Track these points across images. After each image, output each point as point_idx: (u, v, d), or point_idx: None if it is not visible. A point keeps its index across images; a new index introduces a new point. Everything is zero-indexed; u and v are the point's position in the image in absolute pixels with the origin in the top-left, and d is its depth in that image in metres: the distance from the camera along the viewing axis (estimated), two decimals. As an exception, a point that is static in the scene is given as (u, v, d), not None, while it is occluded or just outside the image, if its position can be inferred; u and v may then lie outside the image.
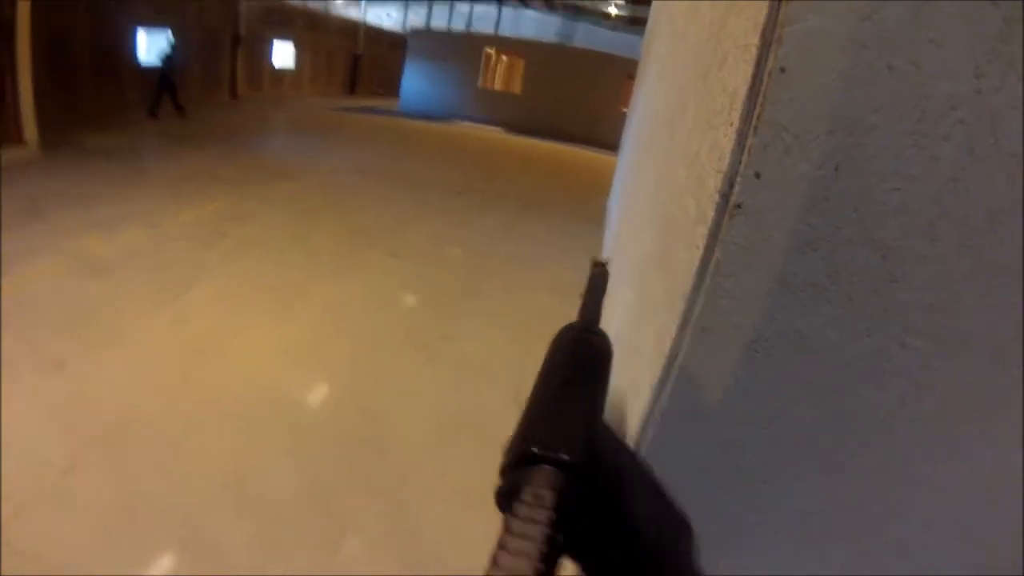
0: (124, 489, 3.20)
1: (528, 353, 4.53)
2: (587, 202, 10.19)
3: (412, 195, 9.74)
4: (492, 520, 0.37)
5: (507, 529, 0.35)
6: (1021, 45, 0.69)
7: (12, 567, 2.68)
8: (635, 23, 26.70)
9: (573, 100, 20.53)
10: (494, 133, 19.85)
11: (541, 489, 0.37)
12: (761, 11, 0.75)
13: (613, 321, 1.87)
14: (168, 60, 13.55)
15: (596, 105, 19.93)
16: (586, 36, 32.37)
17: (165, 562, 2.85)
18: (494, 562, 0.33)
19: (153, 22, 14.88)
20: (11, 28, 8.46)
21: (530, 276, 6.69)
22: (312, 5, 28.81)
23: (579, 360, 0.50)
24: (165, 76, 13.59)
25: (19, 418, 3.56)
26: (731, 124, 0.80)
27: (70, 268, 5.54)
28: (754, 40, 0.76)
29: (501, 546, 0.34)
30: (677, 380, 0.93)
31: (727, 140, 0.81)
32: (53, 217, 6.64)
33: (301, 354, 4.72)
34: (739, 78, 0.81)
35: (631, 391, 1.18)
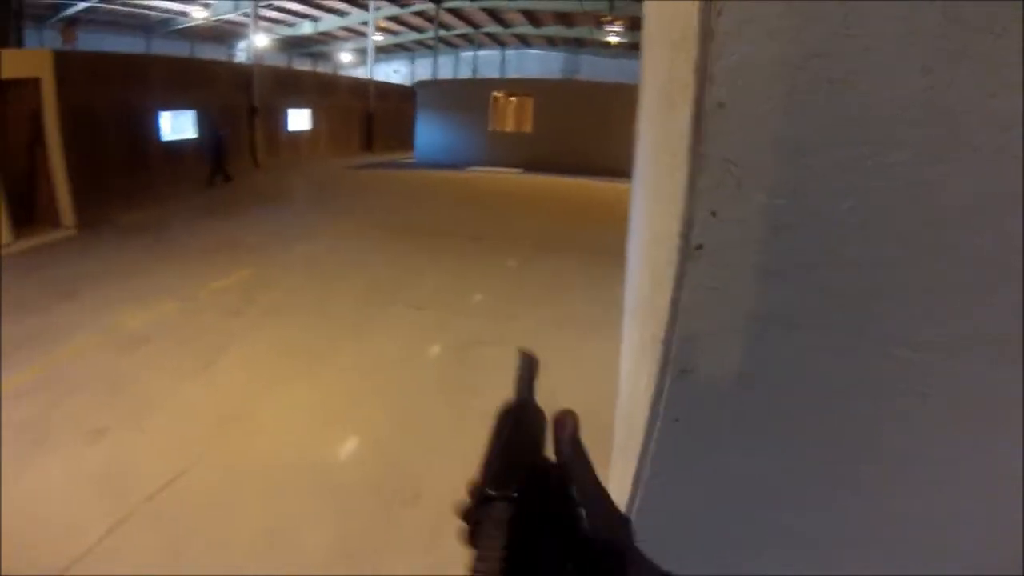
0: (165, 549, 3.25)
1: (553, 402, 4.51)
2: (602, 235, 10.14)
3: (430, 246, 9.81)
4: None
5: (476, 556, 0.45)
6: (969, 32, 0.67)
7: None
8: (636, 48, 27.01)
9: (584, 132, 20.50)
10: (509, 175, 19.99)
11: (497, 519, 0.48)
12: (695, 48, 0.75)
13: (623, 365, 1.84)
14: (214, 137, 15.59)
15: (607, 135, 19.90)
16: (591, 67, 32.76)
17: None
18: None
19: (174, 103, 15.53)
20: (39, 118, 8.91)
21: (551, 318, 6.67)
22: (321, 70, 29.70)
23: (519, 426, 0.61)
24: (217, 150, 15.45)
25: (61, 485, 3.67)
26: (682, 166, 0.79)
27: (107, 342, 5.69)
28: (690, 79, 0.75)
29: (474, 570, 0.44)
30: (664, 422, 0.91)
31: (682, 181, 0.80)
32: (90, 294, 6.86)
33: (330, 414, 4.73)
34: (684, 118, 0.80)
35: (629, 434, 1.16)
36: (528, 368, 0.76)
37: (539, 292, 7.78)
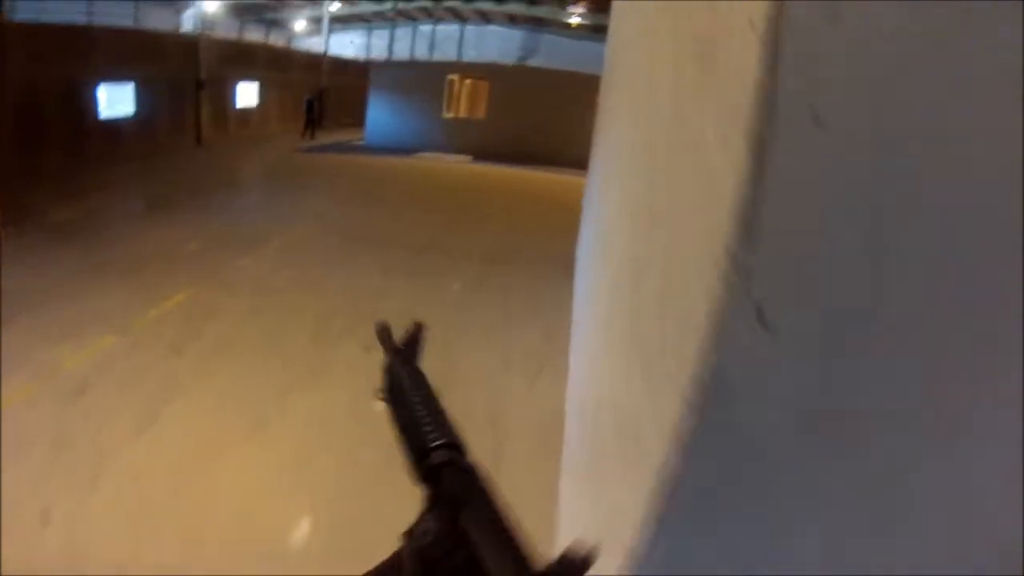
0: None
1: (501, 454, 4.33)
2: (555, 242, 9.73)
3: (378, 260, 9.27)
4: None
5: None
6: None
7: None
8: (599, 31, 26.80)
9: (539, 121, 20.14)
10: (460, 165, 19.51)
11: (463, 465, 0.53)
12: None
13: (586, 371, 1.69)
14: (310, 104, 22.38)
15: (562, 125, 19.11)
16: (551, 47, 32.38)
17: None
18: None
19: (115, 76, 14.65)
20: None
21: (500, 350, 6.32)
22: (272, 41, 28.79)
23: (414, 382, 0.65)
24: (311, 112, 22.34)
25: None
26: (736, 117, 0.62)
27: (44, 389, 5.14)
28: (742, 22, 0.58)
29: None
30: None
31: (735, 133, 0.63)
32: (21, 319, 6.13)
33: (286, 478, 4.31)
34: (749, 58, 0.63)
35: (627, 448, 1.00)
36: (388, 336, 0.74)
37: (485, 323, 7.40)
